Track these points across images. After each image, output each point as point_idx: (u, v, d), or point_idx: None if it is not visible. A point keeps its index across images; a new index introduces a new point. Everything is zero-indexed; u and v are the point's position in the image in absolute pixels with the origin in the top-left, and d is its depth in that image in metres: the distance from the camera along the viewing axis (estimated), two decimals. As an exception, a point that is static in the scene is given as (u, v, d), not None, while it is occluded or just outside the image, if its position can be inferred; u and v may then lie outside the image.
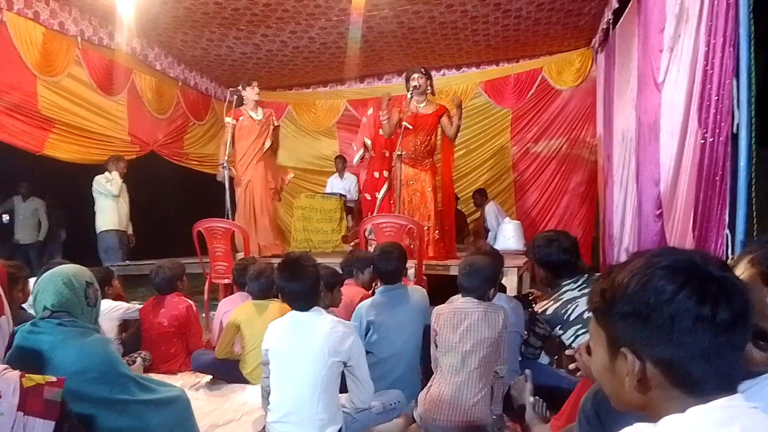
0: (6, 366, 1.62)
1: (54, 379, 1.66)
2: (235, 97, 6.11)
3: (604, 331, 0.99)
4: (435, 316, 2.80)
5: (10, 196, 7.83)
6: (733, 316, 0.86)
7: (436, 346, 2.77)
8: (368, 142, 6.31)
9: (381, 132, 5.86)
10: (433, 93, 5.86)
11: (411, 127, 5.57)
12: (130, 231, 6.63)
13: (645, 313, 0.89)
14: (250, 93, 6.17)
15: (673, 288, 0.87)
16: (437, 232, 5.67)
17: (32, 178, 7.55)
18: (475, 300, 2.72)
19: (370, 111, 6.95)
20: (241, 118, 6.17)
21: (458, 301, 2.79)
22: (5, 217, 7.83)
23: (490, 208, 7.82)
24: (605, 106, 6.52)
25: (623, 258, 5.14)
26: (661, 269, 0.90)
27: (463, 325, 2.65)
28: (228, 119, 6.17)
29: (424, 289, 3.52)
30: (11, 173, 7.45)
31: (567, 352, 2.70)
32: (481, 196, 8.12)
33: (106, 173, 6.31)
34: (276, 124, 6.48)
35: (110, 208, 6.30)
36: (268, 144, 6.29)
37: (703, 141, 2.95)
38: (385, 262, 3.19)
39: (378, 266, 3.22)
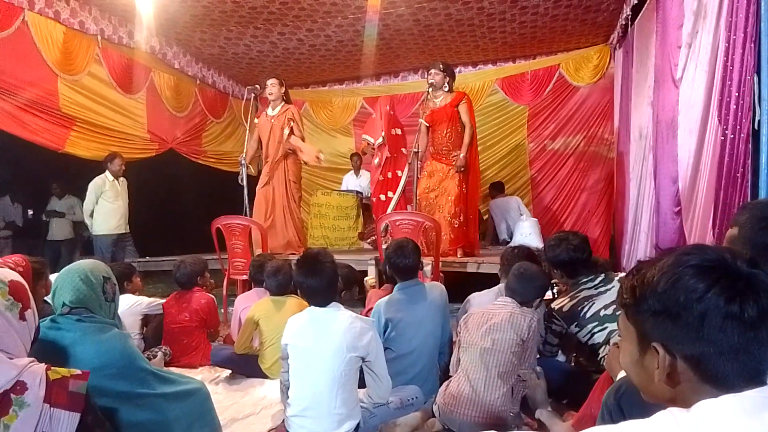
0: (32, 359, 1.65)
1: (79, 372, 1.69)
2: (253, 95, 6.13)
3: (633, 327, 1.00)
4: (464, 318, 2.81)
5: (47, 197, 7.95)
6: (761, 313, 0.87)
7: (459, 346, 2.78)
8: (371, 140, 6.32)
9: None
10: (451, 90, 5.84)
11: (428, 125, 5.61)
12: (126, 230, 6.43)
13: (675, 312, 0.91)
14: (264, 92, 6.18)
15: (704, 287, 0.89)
16: (458, 220, 5.67)
17: (65, 177, 7.65)
18: (510, 302, 2.74)
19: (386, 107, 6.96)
20: (261, 117, 6.20)
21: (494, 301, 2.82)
22: (29, 212, 7.98)
23: (494, 204, 7.84)
24: (623, 103, 6.46)
25: (638, 255, 5.14)
26: (690, 267, 0.91)
27: (487, 324, 2.66)
28: (256, 120, 6.27)
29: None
30: (44, 173, 7.58)
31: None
32: (492, 190, 8.10)
33: (105, 175, 6.23)
34: (291, 116, 6.14)
35: (106, 211, 6.21)
36: (285, 134, 6.05)
37: (723, 138, 2.92)
38: (400, 257, 3.13)
39: (393, 262, 3.16)
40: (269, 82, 6.15)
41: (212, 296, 4.17)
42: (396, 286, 3.22)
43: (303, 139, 6.22)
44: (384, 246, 5.09)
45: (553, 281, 3.47)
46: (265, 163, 6.21)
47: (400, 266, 3.15)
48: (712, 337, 0.88)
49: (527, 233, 6.41)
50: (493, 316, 2.70)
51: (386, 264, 3.27)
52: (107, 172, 6.21)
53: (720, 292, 0.88)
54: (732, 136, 2.82)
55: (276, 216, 6.14)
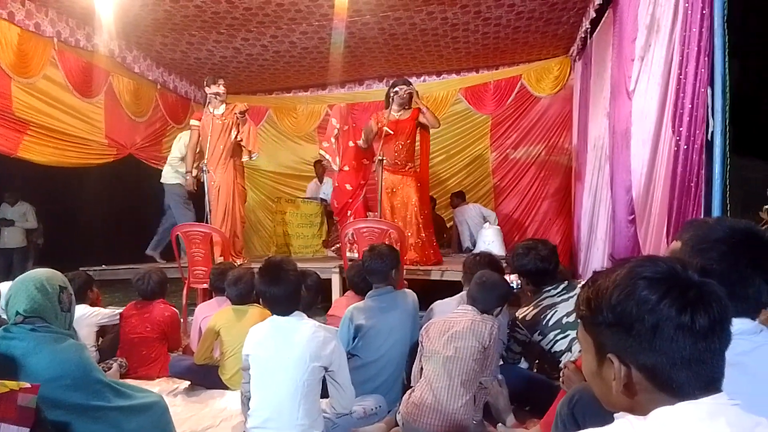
0: (-21, 372, 1.59)
1: (28, 385, 1.63)
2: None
3: (591, 338, 1.01)
4: (426, 327, 2.81)
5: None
6: (711, 323, 0.89)
7: (421, 354, 2.78)
8: (336, 124, 6.25)
9: (360, 143, 5.86)
10: (410, 106, 5.88)
11: (392, 132, 5.61)
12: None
13: (628, 323, 0.92)
14: (214, 89, 5.87)
15: (655, 298, 0.90)
16: (422, 236, 5.69)
17: (7, 183, 7.40)
18: (471, 310, 2.75)
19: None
20: (203, 118, 5.93)
21: (455, 309, 2.82)
22: None
23: (457, 212, 7.91)
24: (581, 114, 6.62)
25: (594, 263, 5.25)
26: (643, 279, 0.92)
27: (449, 332, 2.67)
28: (193, 122, 6.08)
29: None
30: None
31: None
32: (454, 199, 8.17)
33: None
34: (240, 112, 5.81)
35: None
36: (233, 136, 5.84)
37: (676, 148, 3.00)
38: (375, 261, 3.15)
39: (368, 265, 3.18)
40: (221, 81, 5.95)
41: (176, 310, 4.07)
42: (368, 293, 3.21)
43: (249, 141, 6.00)
44: (348, 253, 5.09)
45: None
46: (210, 165, 5.88)
47: (375, 269, 3.16)
48: (664, 348, 0.89)
49: (490, 241, 6.48)
50: (454, 324, 2.71)
51: (363, 268, 3.27)
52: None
53: (671, 303, 0.89)
54: (686, 146, 2.91)
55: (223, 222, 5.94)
